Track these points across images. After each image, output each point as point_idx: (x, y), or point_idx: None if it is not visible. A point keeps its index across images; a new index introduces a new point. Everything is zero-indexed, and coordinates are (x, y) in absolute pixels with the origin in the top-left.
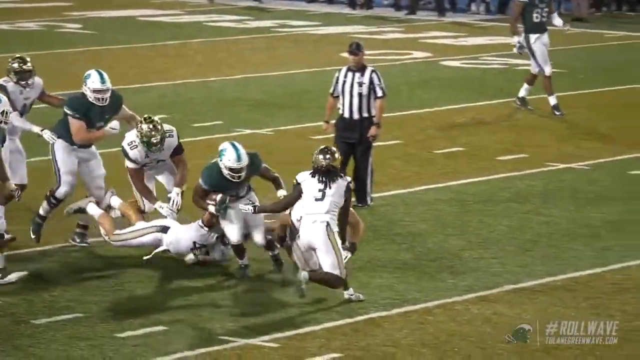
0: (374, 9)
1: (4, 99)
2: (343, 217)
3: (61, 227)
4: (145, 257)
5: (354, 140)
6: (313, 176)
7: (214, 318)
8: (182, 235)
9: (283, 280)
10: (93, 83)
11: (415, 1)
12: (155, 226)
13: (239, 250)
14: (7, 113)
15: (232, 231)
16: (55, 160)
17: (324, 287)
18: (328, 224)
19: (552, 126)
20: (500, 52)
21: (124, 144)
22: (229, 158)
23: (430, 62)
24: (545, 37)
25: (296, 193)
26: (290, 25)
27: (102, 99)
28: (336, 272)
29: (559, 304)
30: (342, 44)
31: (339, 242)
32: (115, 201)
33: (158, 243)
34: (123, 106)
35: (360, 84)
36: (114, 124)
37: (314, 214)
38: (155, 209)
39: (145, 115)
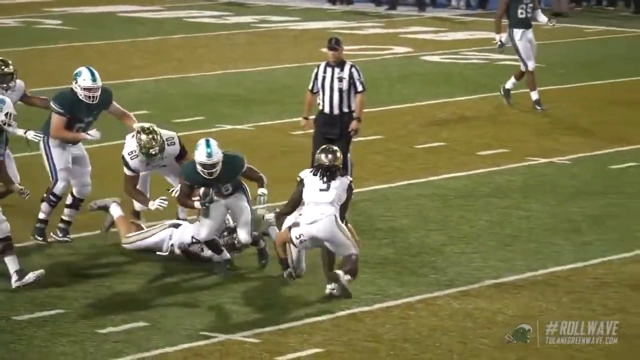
0: (354, 4)
1: (8, 100)
2: (342, 214)
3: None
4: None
5: (334, 136)
6: (315, 174)
7: (195, 314)
8: (188, 231)
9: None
10: (84, 81)
11: None
12: (168, 224)
13: (212, 246)
14: (11, 115)
15: (204, 228)
16: (51, 158)
17: (305, 282)
18: (335, 217)
19: (533, 121)
20: (480, 47)
21: (125, 153)
22: (200, 153)
23: (411, 57)
24: (529, 33)
25: (300, 188)
26: (270, 20)
27: (93, 97)
28: (353, 251)
29: (540, 298)
30: (322, 39)
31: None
32: (115, 211)
33: (165, 243)
34: (113, 102)
35: (341, 79)
36: (94, 132)
37: (320, 203)
38: (150, 208)
39: (145, 125)
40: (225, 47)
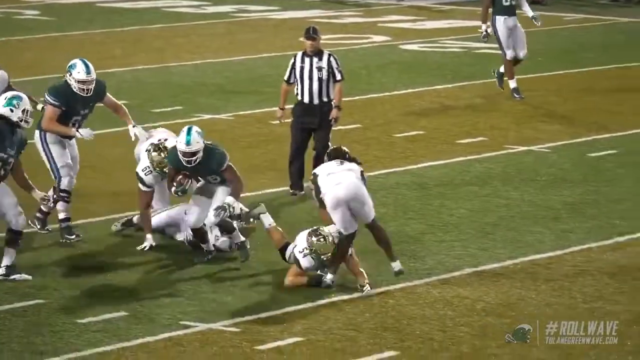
0: None
1: (24, 97)
2: None
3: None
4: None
5: (314, 126)
6: (328, 160)
7: (175, 303)
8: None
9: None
10: (78, 74)
11: None
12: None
13: (199, 234)
14: (27, 112)
15: (192, 214)
16: (51, 156)
17: (284, 271)
18: (361, 173)
19: (512, 109)
20: (459, 35)
21: (139, 170)
22: (180, 140)
23: (390, 45)
24: (510, 21)
25: (316, 180)
26: (249, 10)
27: (87, 89)
28: (374, 213)
29: (520, 286)
30: (301, 29)
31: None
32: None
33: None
34: (107, 94)
35: (320, 69)
36: (87, 132)
37: (339, 172)
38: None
39: (156, 142)
40: (204, 37)
